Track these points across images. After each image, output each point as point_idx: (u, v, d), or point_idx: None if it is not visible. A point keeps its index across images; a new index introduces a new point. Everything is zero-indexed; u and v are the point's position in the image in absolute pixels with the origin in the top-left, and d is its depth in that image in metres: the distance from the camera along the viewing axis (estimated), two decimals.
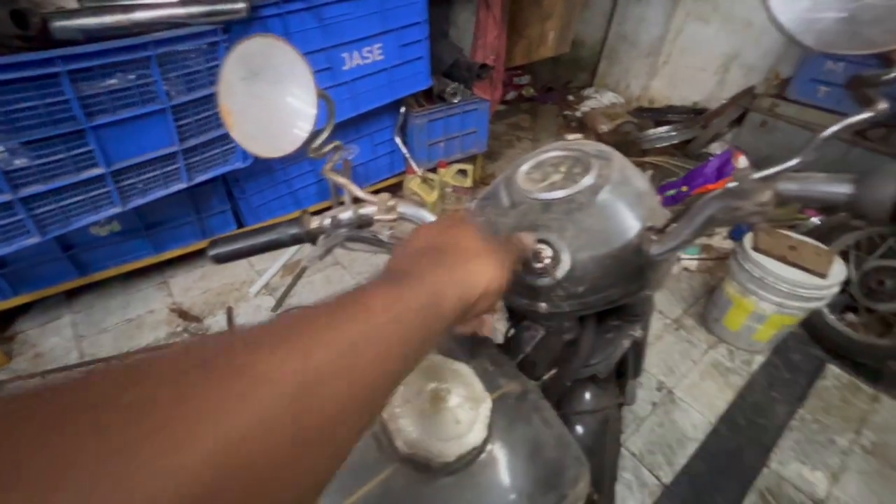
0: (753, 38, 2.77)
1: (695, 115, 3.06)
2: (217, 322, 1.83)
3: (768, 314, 1.59)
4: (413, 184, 2.32)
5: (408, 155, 2.33)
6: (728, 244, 2.20)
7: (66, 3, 1.22)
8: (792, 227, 1.82)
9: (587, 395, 0.79)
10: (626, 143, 2.94)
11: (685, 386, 1.65)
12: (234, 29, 1.45)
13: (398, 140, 2.30)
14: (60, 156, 1.26)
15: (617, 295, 0.50)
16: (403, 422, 0.43)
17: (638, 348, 0.83)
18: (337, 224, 0.56)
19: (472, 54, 2.29)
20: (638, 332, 0.67)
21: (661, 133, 2.96)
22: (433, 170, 2.42)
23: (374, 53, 1.89)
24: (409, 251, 0.35)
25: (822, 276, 1.46)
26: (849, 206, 0.34)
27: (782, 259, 1.51)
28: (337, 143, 0.58)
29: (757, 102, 2.60)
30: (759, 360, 1.75)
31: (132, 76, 1.29)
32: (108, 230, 1.71)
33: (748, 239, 1.61)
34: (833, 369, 1.72)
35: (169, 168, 1.52)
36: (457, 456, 0.41)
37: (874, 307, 1.67)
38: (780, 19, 0.30)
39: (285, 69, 0.46)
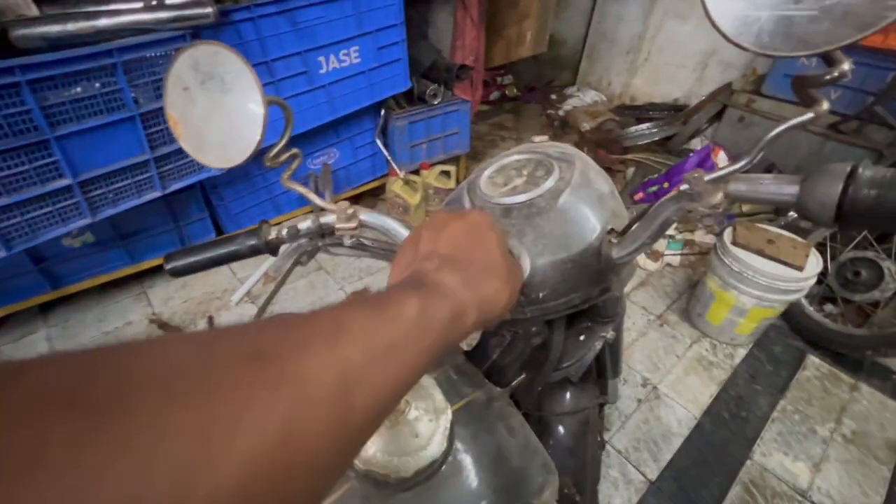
0: None
1: (675, 111, 3.08)
2: None
3: (749, 308, 1.61)
4: (396, 186, 2.30)
5: (389, 157, 2.31)
6: (710, 239, 2.22)
7: (27, 10, 1.18)
8: (771, 221, 1.85)
9: (567, 397, 0.79)
10: (609, 141, 2.96)
11: (669, 381, 1.66)
12: (202, 34, 1.42)
13: (379, 143, 2.28)
14: (24, 167, 1.22)
15: (579, 299, 0.50)
16: None
17: (614, 348, 0.83)
18: (295, 234, 0.55)
19: (451, 55, 2.29)
20: (609, 334, 0.67)
21: (643, 130, 2.99)
22: (416, 172, 2.41)
23: (351, 56, 1.87)
24: (433, 253, 0.34)
25: (800, 268, 1.48)
26: (795, 207, 0.33)
27: (760, 253, 1.53)
28: (294, 150, 0.57)
29: (734, 98, 2.63)
30: (742, 353, 1.77)
31: (97, 84, 1.25)
32: (80, 241, 1.67)
33: (727, 233, 1.62)
34: (813, 360, 1.75)
35: (141, 177, 1.49)
36: (415, 470, 0.40)
37: (851, 298, 1.70)
38: (718, 22, 0.29)
39: (231, 77, 0.44)
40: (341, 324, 0.21)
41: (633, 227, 0.46)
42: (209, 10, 1.31)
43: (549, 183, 0.51)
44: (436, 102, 2.28)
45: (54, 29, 1.16)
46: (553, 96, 3.68)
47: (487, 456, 0.45)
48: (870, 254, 1.65)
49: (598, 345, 0.66)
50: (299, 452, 0.17)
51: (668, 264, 2.17)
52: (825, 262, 1.60)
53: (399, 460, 0.40)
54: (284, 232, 0.53)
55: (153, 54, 1.32)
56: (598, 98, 3.50)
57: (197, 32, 1.39)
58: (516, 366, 0.61)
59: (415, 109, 2.25)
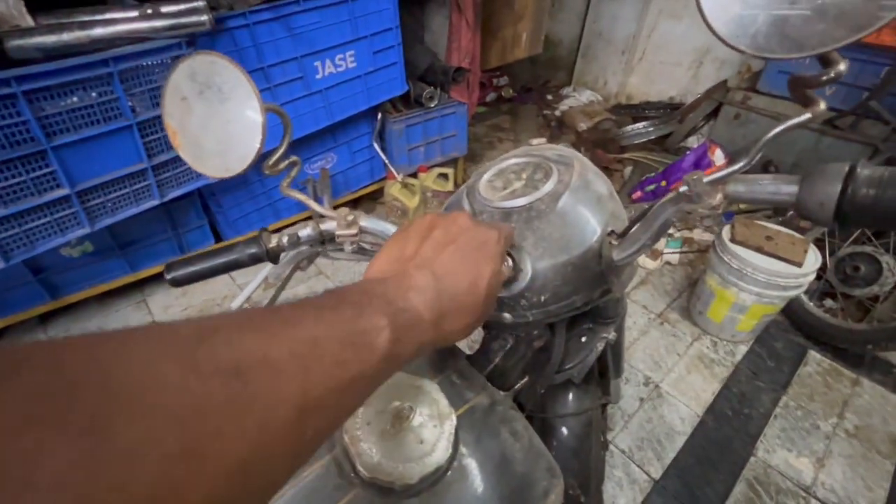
0: None
1: (671, 109, 3.09)
2: None
3: (749, 304, 1.61)
4: (394, 189, 2.30)
5: (387, 161, 2.32)
6: (709, 237, 2.23)
7: (21, 21, 1.18)
8: (769, 217, 1.85)
9: (570, 398, 0.79)
10: (606, 141, 2.96)
11: (672, 380, 1.66)
12: (198, 42, 1.42)
13: (377, 146, 2.29)
14: (21, 178, 1.22)
15: (580, 301, 0.50)
16: (364, 445, 0.41)
17: (616, 348, 0.83)
18: (296, 241, 0.55)
19: (446, 58, 2.29)
20: (611, 335, 0.67)
21: (640, 129, 3.00)
22: (414, 175, 2.41)
23: (346, 61, 1.87)
24: (431, 260, 0.33)
25: (799, 264, 1.48)
26: (794, 207, 0.33)
27: (759, 249, 1.53)
28: (294, 158, 0.57)
29: (730, 96, 2.64)
30: (743, 349, 1.77)
31: (94, 93, 1.25)
32: (80, 251, 1.66)
33: (726, 231, 1.62)
34: (814, 355, 1.75)
35: (139, 185, 1.49)
36: (420, 477, 0.40)
37: (850, 293, 1.70)
38: (714, 25, 0.30)
39: (228, 86, 0.44)
40: (318, 352, 0.22)
41: (633, 229, 0.46)
42: (205, 17, 1.31)
43: (548, 186, 0.51)
44: (432, 105, 2.28)
45: (49, 39, 1.17)
46: (549, 97, 3.69)
47: (492, 461, 0.45)
48: (868, 249, 1.65)
49: (600, 346, 0.66)
50: (256, 476, 0.18)
51: (668, 262, 2.18)
52: (824, 257, 1.60)
53: (404, 467, 0.40)
54: (285, 240, 0.53)
55: (150, 63, 1.33)
56: (594, 98, 3.51)
57: (193, 40, 1.39)
58: (519, 369, 0.61)
59: (412, 113, 2.25)
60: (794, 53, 0.28)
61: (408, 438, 0.42)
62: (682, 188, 0.39)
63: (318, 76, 1.82)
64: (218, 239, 2.05)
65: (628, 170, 2.77)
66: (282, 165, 0.55)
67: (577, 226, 0.48)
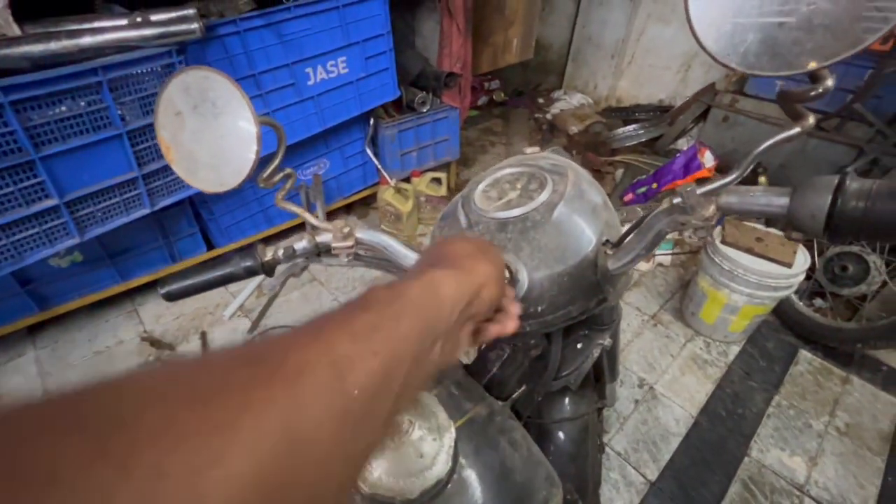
0: None
1: (661, 112, 3.13)
2: (191, 348, 1.78)
3: (740, 305, 1.63)
4: (387, 195, 2.30)
5: (380, 166, 2.32)
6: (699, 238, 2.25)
7: (8, 30, 1.17)
8: (758, 219, 1.88)
9: (566, 403, 0.79)
10: (597, 143, 2.99)
11: (666, 381, 1.67)
12: (189, 49, 1.41)
13: (369, 152, 2.28)
14: (8, 189, 1.20)
15: (577, 311, 0.50)
16: None
17: (611, 353, 0.84)
18: (292, 254, 0.54)
19: (438, 63, 2.30)
20: (607, 341, 0.67)
21: (630, 132, 3.02)
22: (407, 179, 2.41)
23: (338, 67, 1.87)
24: (441, 256, 0.36)
25: (788, 265, 1.50)
26: (786, 218, 0.34)
27: (749, 251, 1.55)
28: (288, 170, 0.56)
29: (718, 98, 2.68)
30: (735, 350, 1.79)
31: (83, 103, 1.24)
32: (69, 261, 1.64)
33: (717, 233, 1.64)
34: (805, 354, 1.77)
35: (129, 194, 1.47)
36: (421, 491, 0.40)
37: (839, 292, 1.73)
38: (706, 44, 0.30)
39: (222, 101, 0.44)
40: (329, 317, 0.23)
41: (628, 239, 0.46)
42: (195, 25, 1.30)
43: (543, 196, 0.51)
44: (425, 110, 2.28)
45: (37, 48, 1.15)
46: (540, 100, 3.71)
47: (492, 472, 0.45)
48: (855, 248, 1.68)
49: (596, 352, 0.67)
50: (303, 443, 0.17)
51: (660, 264, 2.20)
52: (812, 258, 1.63)
53: (405, 481, 0.40)
54: (280, 252, 0.53)
55: (139, 71, 1.31)
56: (584, 101, 3.54)
57: (183, 48, 1.38)
58: (516, 378, 0.61)
59: (404, 118, 2.25)
60: (783, 71, 0.28)
61: (407, 453, 0.42)
62: (676, 200, 0.39)
63: (310, 82, 1.82)
64: (210, 247, 2.03)
65: (619, 172, 2.80)
66: (276, 178, 0.55)
67: (572, 236, 0.49)
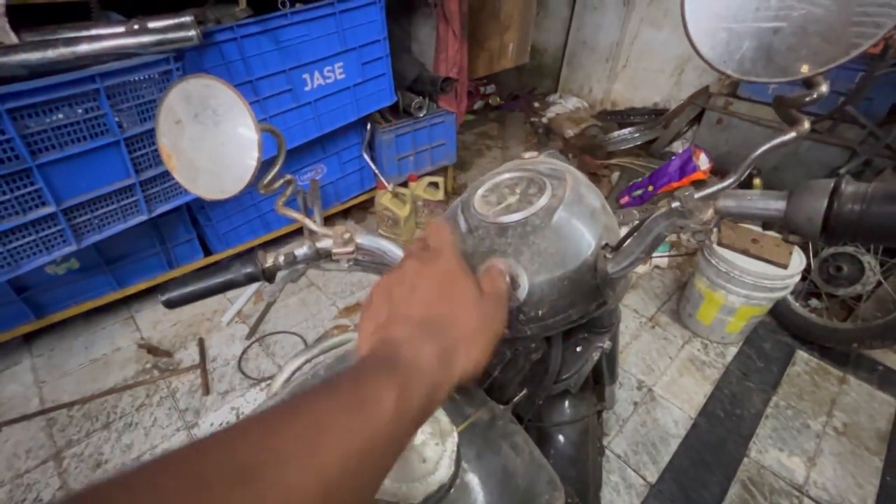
0: None
1: (655, 115, 3.15)
2: (188, 355, 1.77)
3: (737, 306, 1.64)
4: (384, 199, 2.30)
5: (377, 171, 2.32)
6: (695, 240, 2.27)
7: (5, 38, 1.17)
8: (756, 222, 1.89)
9: (566, 406, 0.79)
10: (593, 146, 3.01)
11: (664, 383, 1.68)
12: (186, 56, 1.42)
13: (366, 156, 2.29)
14: (5, 197, 1.20)
15: (577, 314, 0.50)
16: None
17: (610, 355, 0.84)
18: (293, 260, 0.55)
19: (434, 68, 2.31)
20: (606, 344, 0.68)
21: (625, 135, 3.05)
22: (404, 184, 2.41)
23: (335, 73, 1.88)
24: (406, 317, 0.32)
25: (784, 266, 1.51)
26: (783, 222, 0.35)
27: (745, 252, 1.56)
28: (288, 177, 0.57)
29: (712, 101, 2.70)
30: (733, 351, 1.80)
31: (80, 110, 1.24)
32: (65, 268, 1.63)
33: (713, 234, 1.65)
34: (802, 355, 1.78)
35: (126, 201, 1.47)
36: (424, 496, 0.40)
37: (835, 292, 1.74)
38: (703, 51, 0.31)
39: (223, 109, 0.44)
40: (321, 427, 0.22)
41: (627, 243, 0.47)
42: (193, 32, 1.30)
43: (543, 201, 0.51)
44: (421, 115, 2.30)
45: (34, 56, 1.15)
46: (536, 104, 3.73)
47: (494, 476, 0.45)
48: (849, 249, 1.70)
49: (596, 355, 0.67)
50: None
51: (657, 266, 2.21)
52: (808, 258, 1.64)
53: (408, 487, 0.40)
54: (281, 259, 0.53)
55: (137, 78, 1.31)
56: (580, 104, 3.57)
57: (180, 55, 1.39)
58: (517, 381, 0.61)
59: (401, 123, 2.26)
60: (779, 78, 0.29)
61: (410, 458, 0.42)
62: (675, 204, 0.40)
63: (307, 88, 1.83)
64: (207, 253, 2.02)
65: (615, 175, 2.81)
66: (277, 184, 0.55)
67: (571, 240, 0.49)
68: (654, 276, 2.16)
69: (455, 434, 0.44)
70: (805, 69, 0.28)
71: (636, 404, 1.60)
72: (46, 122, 1.20)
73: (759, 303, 1.60)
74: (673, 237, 2.26)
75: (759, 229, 1.64)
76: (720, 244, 1.60)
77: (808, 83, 0.32)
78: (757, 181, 2.34)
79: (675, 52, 3.05)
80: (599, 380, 0.88)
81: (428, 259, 0.36)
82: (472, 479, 0.44)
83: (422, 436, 0.44)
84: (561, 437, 0.79)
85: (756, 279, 1.52)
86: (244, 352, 1.77)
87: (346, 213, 2.56)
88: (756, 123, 2.47)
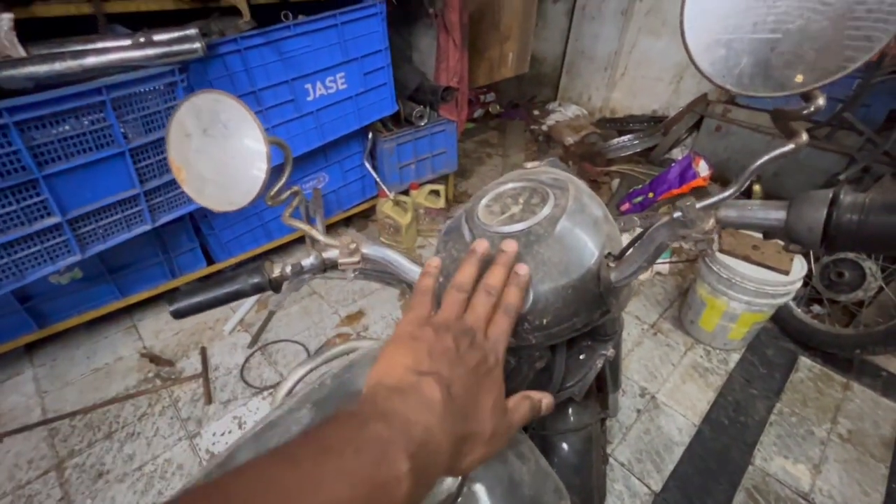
0: None
1: (655, 122, 3.17)
2: (191, 364, 1.77)
3: (739, 313, 1.64)
4: (386, 207, 2.32)
5: (378, 179, 2.34)
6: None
7: (13, 52, 1.19)
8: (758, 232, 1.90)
9: (569, 414, 0.79)
10: (593, 154, 3.03)
11: (667, 390, 1.67)
12: (191, 68, 1.44)
13: (368, 165, 2.31)
14: (11, 208, 1.21)
15: (581, 323, 0.51)
16: None
17: (613, 363, 0.84)
18: (300, 271, 0.55)
19: (435, 77, 2.33)
20: (610, 352, 0.68)
21: (625, 142, 3.07)
22: (405, 192, 2.43)
23: (337, 83, 1.90)
24: (439, 373, 0.31)
25: (785, 272, 1.52)
26: (783, 231, 0.35)
27: (746, 258, 1.57)
28: (295, 188, 0.58)
29: (711, 108, 2.72)
30: (735, 357, 1.80)
31: (86, 121, 1.25)
32: (69, 278, 1.64)
33: (714, 241, 1.66)
34: (805, 361, 1.78)
35: (131, 211, 1.48)
36: None
37: (836, 298, 1.74)
38: (701, 65, 0.32)
39: (233, 123, 0.45)
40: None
41: (629, 252, 0.48)
42: (197, 45, 1.32)
43: (546, 210, 0.52)
44: (422, 124, 2.32)
45: (42, 69, 1.17)
46: (536, 112, 3.76)
47: (501, 485, 0.45)
48: (851, 255, 1.70)
49: (600, 363, 0.67)
50: None
51: (658, 273, 2.21)
52: (809, 264, 1.65)
53: None
54: (288, 269, 0.54)
55: (142, 90, 1.33)
56: (579, 112, 3.59)
57: (185, 66, 1.41)
58: (521, 389, 0.62)
59: (402, 131, 2.28)
60: (776, 92, 0.30)
61: None
62: (676, 214, 0.40)
63: (310, 98, 1.85)
64: (210, 262, 2.03)
65: (616, 182, 2.83)
66: (283, 196, 0.56)
67: (575, 249, 0.50)
68: (655, 283, 2.17)
69: None
70: (802, 84, 0.29)
71: (639, 412, 1.60)
72: (53, 134, 1.22)
73: (760, 309, 1.61)
74: (676, 244, 2.27)
75: (759, 235, 1.65)
76: (721, 251, 1.61)
77: (806, 97, 0.33)
78: (757, 188, 2.36)
79: (674, 60, 3.08)
80: (603, 387, 0.88)
81: (479, 350, 0.35)
82: (479, 489, 0.44)
83: None
84: (565, 446, 0.79)
85: (758, 285, 1.53)
86: (246, 360, 1.77)
87: (347, 222, 2.57)
88: (755, 130, 2.49)
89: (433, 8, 2.05)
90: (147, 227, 1.55)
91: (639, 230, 0.49)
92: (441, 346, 0.33)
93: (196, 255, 1.96)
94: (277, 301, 0.64)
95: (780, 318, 1.83)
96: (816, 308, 1.84)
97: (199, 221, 1.90)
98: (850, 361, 1.74)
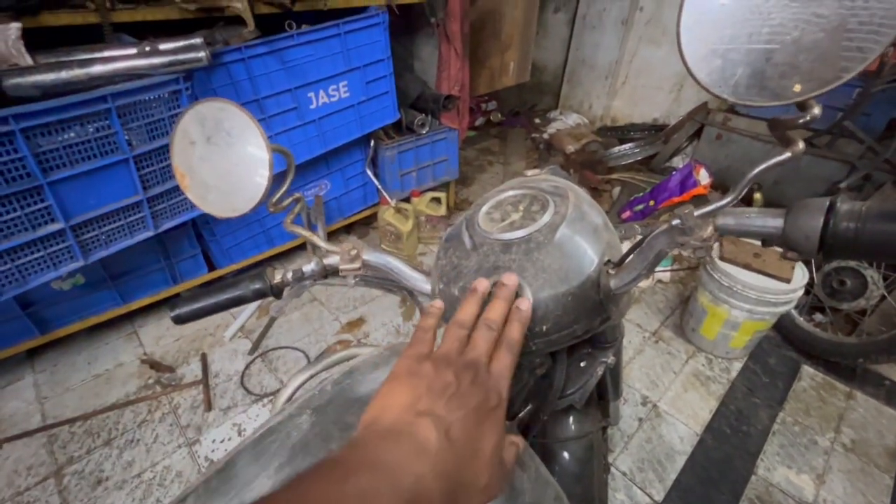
0: None
1: (655, 131, 3.19)
2: (191, 370, 1.76)
3: (741, 321, 1.63)
4: (387, 214, 2.33)
5: (380, 186, 2.35)
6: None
7: (20, 60, 1.20)
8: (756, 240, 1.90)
9: (570, 422, 0.79)
10: (594, 162, 3.04)
11: (669, 398, 1.66)
12: (195, 76, 1.45)
13: (369, 172, 2.32)
14: (15, 214, 1.22)
15: (581, 330, 0.51)
16: None
17: (614, 371, 0.84)
18: (301, 277, 0.56)
19: (437, 86, 2.35)
20: (610, 359, 0.68)
21: (626, 150, 3.08)
22: (407, 199, 2.44)
23: (340, 91, 1.92)
24: (428, 440, 0.28)
25: (787, 280, 1.52)
26: (781, 239, 0.36)
27: (748, 267, 1.57)
28: (297, 195, 0.58)
29: (711, 117, 2.74)
30: (738, 366, 1.79)
31: (91, 129, 1.27)
32: (70, 284, 1.65)
33: (715, 249, 1.66)
34: (808, 370, 1.77)
35: (134, 217, 1.49)
36: None
37: (838, 306, 1.74)
38: (698, 76, 0.32)
39: (236, 131, 0.46)
40: None
41: (629, 259, 0.48)
42: (202, 54, 1.34)
43: (546, 217, 0.52)
44: (424, 132, 2.33)
45: (48, 77, 1.18)
46: (537, 120, 3.79)
47: (501, 494, 0.45)
48: (852, 263, 1.70)
49: (600, 370, 0.67)
50: None
51: (660, 280, 2.21)
52: (811, 273, 1.64)
53: None
54: (290, 275, 0.54)
55: (147, 98, 1.35)
56: (580, 121, 3.61)
57: (189, 75, 1.42)
58: (522, 396, 0.62)
59: (404, 139, 2.30)
60: (772, 102, 0.30)
61: None
62: (675, 221, 0.41)
63: (312, 106, 1.86)
64: (211, 268, 2.04)
65: (616, 190, 2.83)
66: (285, 202, 0.57)
67: (574, 256, 0.50)
68: (656, 291, 2.16)
69: None
70: (797, 93, 0.29)
71: (641, 420, 1.59)
72: (58, 141, 1.23)
73: (762, 317, 1.60)
74: (676, 251, 2.27)
75: (759, 243, 1.65)
76: (723, 259, 1.61)
77: (802, 106, 0.33)
78: (758, 196, 2.36)
79: (674, 69, 3.10)
80: (604, 395, 0.88)
81: (482, 388, 0.33)
82: None
83: None
84: (566, 454, 0.79)
85: (759, 294, 1.52)
86: (247, 367, 1.77)
87: (348, 229, 2.58)
88: (755, 139, 2.50)
89: (435, 18, 2.07)
90: (149, 234, 1.55)
91: (639, 237, 0.49)
92: (441, 381, 0.31)
93: (197, 261, 1.97)
94: (278, 307, 0.64)
95: (783, 327, 1.83)
96: (819, 316, 1.84)
97: (200, 228, 1.91)
98: (853, 370, 1.73)
